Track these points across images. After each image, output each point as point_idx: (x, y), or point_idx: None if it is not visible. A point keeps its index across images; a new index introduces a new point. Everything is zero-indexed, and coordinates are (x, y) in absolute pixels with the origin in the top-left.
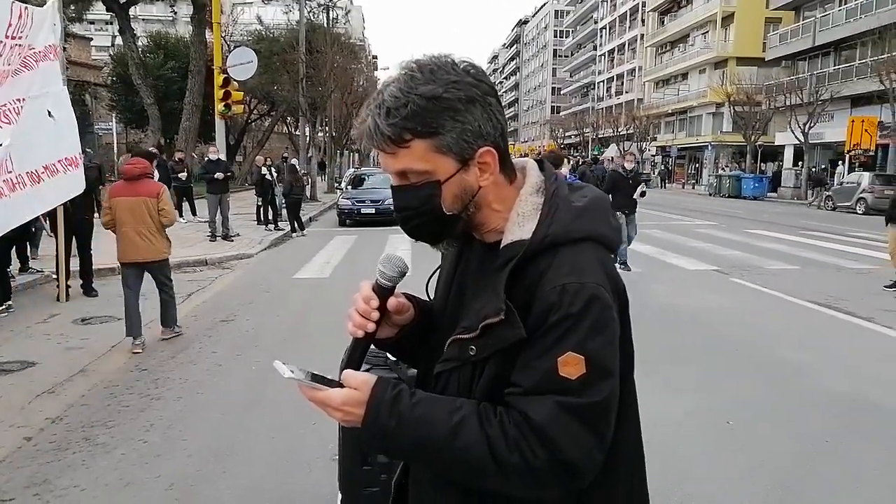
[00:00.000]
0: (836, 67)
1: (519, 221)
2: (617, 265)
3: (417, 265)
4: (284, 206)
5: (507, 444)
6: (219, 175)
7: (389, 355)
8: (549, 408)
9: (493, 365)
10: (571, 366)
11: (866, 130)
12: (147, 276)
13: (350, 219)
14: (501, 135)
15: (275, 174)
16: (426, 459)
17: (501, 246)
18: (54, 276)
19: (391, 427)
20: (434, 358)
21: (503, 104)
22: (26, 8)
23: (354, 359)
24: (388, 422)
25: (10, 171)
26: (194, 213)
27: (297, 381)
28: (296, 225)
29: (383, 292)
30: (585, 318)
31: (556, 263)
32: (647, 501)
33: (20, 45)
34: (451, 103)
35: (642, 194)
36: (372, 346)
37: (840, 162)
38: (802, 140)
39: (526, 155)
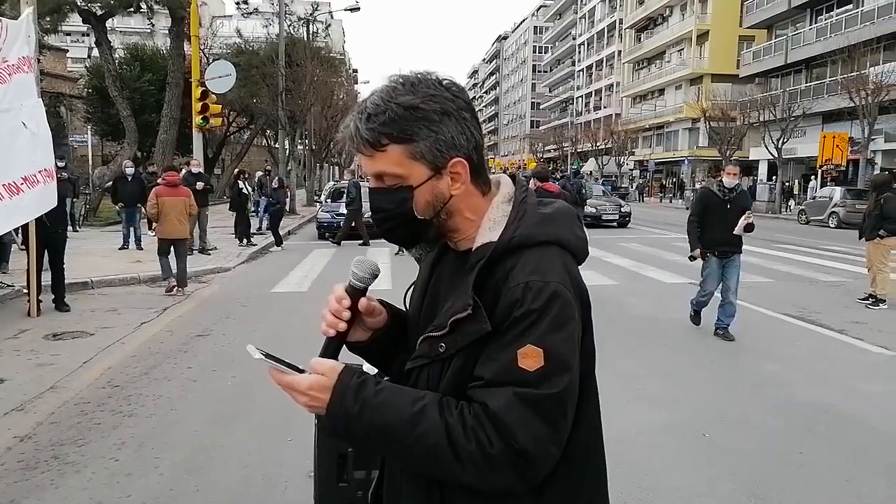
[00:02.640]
0: (808, 84)
1: (490, 226)
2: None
3: (396, 278)
4: (262, 215)
5: (465, 432)
6: (199, 185)
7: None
8: (506, 398)
9: (459, 358)
10: (530, 358)
11: (837, 146)
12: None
13: (329, 232)
14: (475, 148)
15: (249, 189)
16: (387, 445)
17: (473, 249)
18: (25, 291)
19: (355, 411)
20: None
21: (483, 118)
22: (1, 21)
23: (326, 357)
24: (352, 406)
25: None
26: None
27: (267, 364)
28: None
29: (355, 293)
30: (547, 314)
31: (521, 263)
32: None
33: None
34: (426, 114)
35: (747, 228)
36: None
37: (813, 177)
38: (776, 155)
39: (507, 169)
